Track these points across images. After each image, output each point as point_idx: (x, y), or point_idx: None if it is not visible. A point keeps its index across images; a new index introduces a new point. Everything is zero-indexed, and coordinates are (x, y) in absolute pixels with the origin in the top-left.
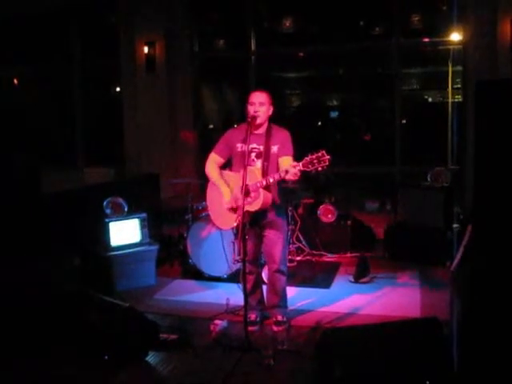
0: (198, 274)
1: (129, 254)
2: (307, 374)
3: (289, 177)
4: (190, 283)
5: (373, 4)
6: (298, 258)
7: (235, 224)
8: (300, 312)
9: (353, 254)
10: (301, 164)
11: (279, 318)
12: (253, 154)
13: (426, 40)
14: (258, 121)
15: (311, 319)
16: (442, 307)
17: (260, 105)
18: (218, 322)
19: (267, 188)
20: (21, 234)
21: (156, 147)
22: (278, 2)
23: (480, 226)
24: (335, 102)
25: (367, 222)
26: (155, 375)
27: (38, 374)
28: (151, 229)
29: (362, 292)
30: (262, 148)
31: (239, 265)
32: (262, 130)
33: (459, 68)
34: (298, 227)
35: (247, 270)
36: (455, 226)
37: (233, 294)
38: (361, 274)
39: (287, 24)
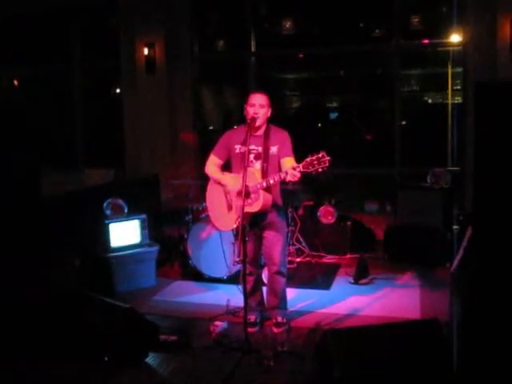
0: (198, 276)
1: (129, 255)
2: (307, 375)
3: (289, 178)
4: (190, 284)
5: (373, 5)
6: (298, 260)
7: (235, 226)
8: (300, 313)
9: (352, 256)
10: (301, 165)
11: (279, 319)
12: (251, 155)
13: (426, 41)
14: (258, 122)
15: (311, 320)
16: (442, 308)
17: (260, 107)
18: (217, 323)
19: (267, 189)
20: (21, 234)
21: (156, 148)
22: (278, 3)
23: (480, 228)
24: (335, 104)
25: (367, 223)
26: (155, 376)
27: (38, 374)
28: (151, 230)
29: (361, 293)
30: (260, 149)
31: (239, 266)
32: (260, 132)
33: (459, 69)
34: (297, 228)
35: (247, 272)
36: (455, 227)
37: (233, 296)
38: (360, 275)
39: (287, 25)
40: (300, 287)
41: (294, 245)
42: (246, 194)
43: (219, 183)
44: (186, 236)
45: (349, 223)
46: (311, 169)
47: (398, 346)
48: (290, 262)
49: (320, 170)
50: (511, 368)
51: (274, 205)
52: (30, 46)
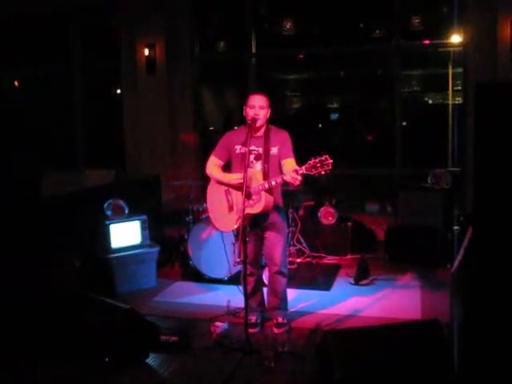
0: (198, 276)
1: (129, 256)
2: (308, 375)
3: (291, 181)
4: (191, 285)
5: (373, 6)
6: (299, 260)
7: (235, 226)
8: (300, 314)
9: (353, 256)
10: (304, 168)
11: (280, 319)
12: (252, 156)
13: (427, 42)
14: (258, 123)
15: (311, 321)
16: (443, 309)
17: (260, 108)
18: (218, 323)
19: (269, 190)
20: (21, 234)
21: (156, 149)
22: (278, 4)
23: (480, 228)
24: (335, 104)
25: (368, 223)
26: (156, 377)
27: (38, 373)
28: (152, 231)
29: (362, 294)
30: (261, 150)
31: (240, 267)
32: (260, 132)
33: (459, 70)
34: (298, 229)
35: (248, 272)
36: (455, 227)
37: (233, 296)
38: (361, 276)
39: (288, 26)
40: (300, 288)
41: (294, 245)
42: (247, 195)
43: (221, 183)
44: (186, 237)
45: (349, 224)
46: (314, 171)
47: (398, 346)
48: (291, 263)
49: (323, 172)
50: None
51: (275, 206)
52: (30, 46)
